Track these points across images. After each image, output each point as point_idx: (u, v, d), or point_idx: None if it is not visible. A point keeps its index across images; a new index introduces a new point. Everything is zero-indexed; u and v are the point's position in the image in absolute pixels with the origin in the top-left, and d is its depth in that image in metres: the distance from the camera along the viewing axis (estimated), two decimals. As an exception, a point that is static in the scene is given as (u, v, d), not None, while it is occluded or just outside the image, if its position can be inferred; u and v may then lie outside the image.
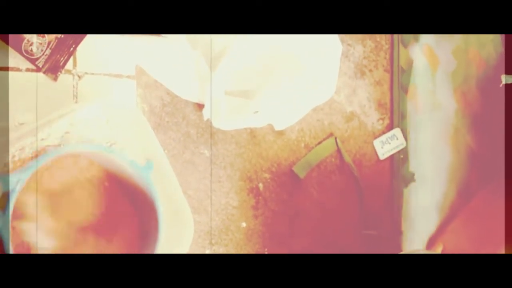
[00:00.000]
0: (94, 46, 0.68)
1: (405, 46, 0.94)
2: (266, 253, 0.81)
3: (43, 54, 0.62)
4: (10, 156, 0.55)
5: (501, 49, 1.05)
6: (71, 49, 0.64)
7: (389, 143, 0.93)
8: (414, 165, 0.96)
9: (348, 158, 0.89)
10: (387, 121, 0.93)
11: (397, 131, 0.94)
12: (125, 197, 0.61)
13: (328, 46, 0.78)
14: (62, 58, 0.64)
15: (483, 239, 0.90)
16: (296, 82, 0.77)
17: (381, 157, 0.93)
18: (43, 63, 0.63)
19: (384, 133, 0.93)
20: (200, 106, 0.76)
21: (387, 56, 0.93)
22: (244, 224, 0.80)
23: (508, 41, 1.03)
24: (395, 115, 0.93)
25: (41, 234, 0.50)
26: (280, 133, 0.83)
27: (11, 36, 0.60)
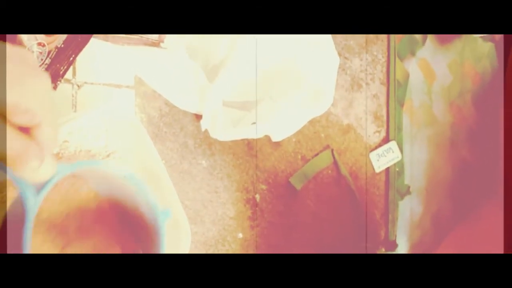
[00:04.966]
0: (93, 56, 0.68)
1: (402, 59, 0.95)
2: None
3: (43, 63, 0.63)
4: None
5: (497, 61, 1.06)
6: (71, 58, 0.65)
7: (385, 156, 0.94)
8: (409, 178, 0.97)
9: (344, 170, 0.89)
10: (383, 134, 0.94)
11: (393, 144, 0.94)
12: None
13: (325, 59, 0.78)
14: (61, 68, 0.64)
15: (478, 250, 0.91)
16: (294, 94, 0.78)
17: (377, 170, 0.93)
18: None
19: (380, 146, 0.94)
20: (198, 117, 0.76)
21: (384, 70, 0.94)
22: (240, 235, 0.80)
23: (508, 41, 1.04)
24: (391, 128, 0.94)
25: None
26: (277, 144, 0.83)
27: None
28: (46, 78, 0.38)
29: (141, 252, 0.54)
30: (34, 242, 0.50)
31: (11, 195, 0.51)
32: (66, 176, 0.50)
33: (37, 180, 0.40)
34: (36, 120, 0.38)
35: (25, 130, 0.38)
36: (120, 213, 0.54)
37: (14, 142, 0.37)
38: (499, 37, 1.07)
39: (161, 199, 0.66)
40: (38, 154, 0.38)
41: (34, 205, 0.41)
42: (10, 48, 0.37)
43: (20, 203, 0.42)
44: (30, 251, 0.41)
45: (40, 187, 0.41)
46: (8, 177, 0.40)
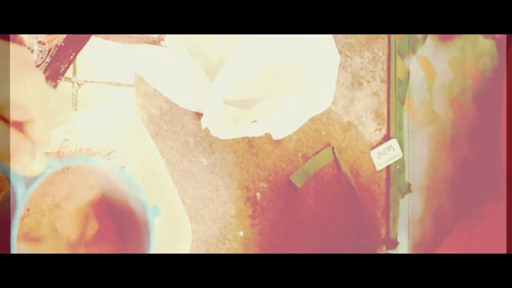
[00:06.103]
0: (94, 54, 0.68)
1: (402, 57, 0.95)
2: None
3: (43, 61, 0.63)
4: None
5: (498, 58, 1.06)
6: (71, 57, 0.65)
7: (386, 154, 0.94)
8: (410, 175, 0.97)
9: (345, 168, 0.89)
10: (384, 132, 0.94)
11: (393, 142, 0.94)
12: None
13: (326, 57, 0.78)
14: (62, 66, 0.64)
15: (481, 250, 0.91)
16: (294, 92, 0.78)
17: (378, 168, 0.93)
18: (43, 70, 0.63)
19: (381, 143, 0.94)
20: (199, 115, 0.76)
21: (384, 67, 0.94)
22: (241, 233, 0.80)
23: (509, 39, 1.04)
24: (391, 126, 0.94)
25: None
26: (278, 142, 0.83)
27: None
28: (41, 77, 0.39)
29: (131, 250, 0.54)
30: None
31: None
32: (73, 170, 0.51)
33: (27, 174, 0.41)
34: (29, 116, 0.38)
35: (18, 125, 0.38)
36: (111, 208, 0.55)
37: (6, 136, 0.37)
38: (500, 34, 1.07)
39: (162, 198, 0.66)
40: (30, 149, 0.39)
41: (22, 199, 0.42)
42: (6, 46, 0.38)
43: (11, 196, 0.42)
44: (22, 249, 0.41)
45: (29, 182, 0.42)
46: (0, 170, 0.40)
